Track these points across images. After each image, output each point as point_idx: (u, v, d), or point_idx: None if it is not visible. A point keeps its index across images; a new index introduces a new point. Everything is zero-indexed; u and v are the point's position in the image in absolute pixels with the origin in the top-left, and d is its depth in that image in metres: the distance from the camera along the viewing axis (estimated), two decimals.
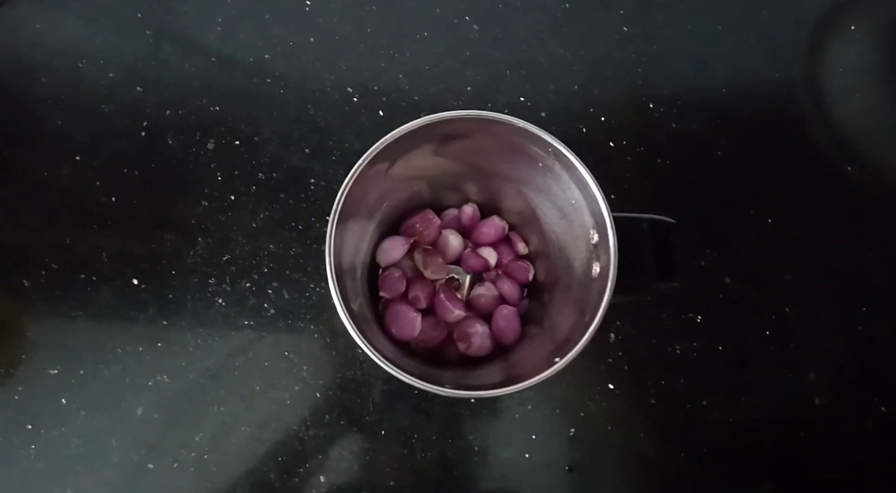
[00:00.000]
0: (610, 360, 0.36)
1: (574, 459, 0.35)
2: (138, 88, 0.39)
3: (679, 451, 0.36)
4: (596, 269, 0.29)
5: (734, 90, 0.42)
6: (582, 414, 0.36)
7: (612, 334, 0.36)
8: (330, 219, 0.27)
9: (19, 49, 0.39)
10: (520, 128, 0.28)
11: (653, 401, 0.36)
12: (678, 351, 0.37)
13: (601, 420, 0.36)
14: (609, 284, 0.27)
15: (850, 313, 0.39)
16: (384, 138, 0.27)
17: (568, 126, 0.40)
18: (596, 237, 0.29)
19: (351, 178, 0.27)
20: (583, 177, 0.28)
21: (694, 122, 0.41)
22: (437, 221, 0.35)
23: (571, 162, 0.28)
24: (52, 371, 0.35)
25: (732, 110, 0.41)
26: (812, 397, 0.37)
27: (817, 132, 0.41)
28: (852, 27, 0.44)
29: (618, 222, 0.27)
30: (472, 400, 0.35)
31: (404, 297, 0.34)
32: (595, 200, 0.28)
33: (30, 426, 0.34)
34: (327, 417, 0.35)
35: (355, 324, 0.26)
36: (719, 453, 0.36)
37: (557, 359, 0.26)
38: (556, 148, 0.28)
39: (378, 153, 0.28)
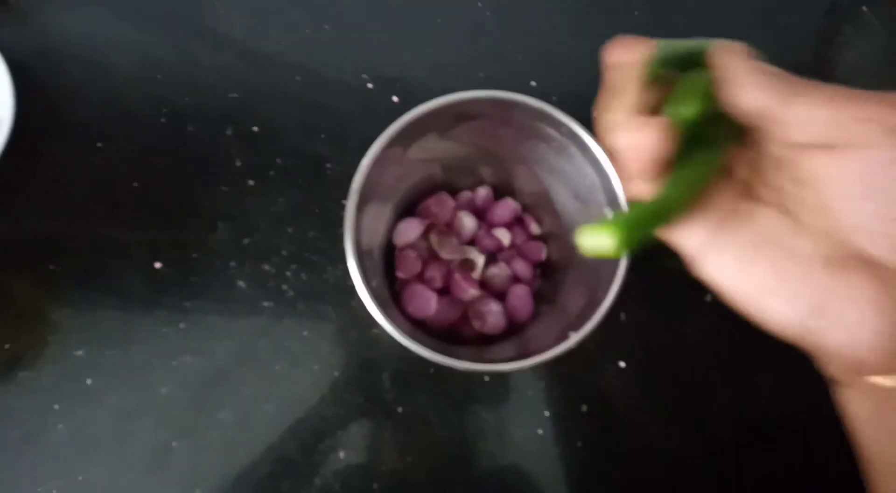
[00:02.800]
0: (621, 339, 0.37)
1: (586, 435, 0.36)
2: (158, 77, 0.39)
3: (690, 430, 0.37)
4: None
5: None
6: (594, 391, 0.36)
7: (622, 313, 0.37)
8: (349, 200, 0.28)
9: (49, 41, 0.40)
10: (535, 108, 0.29)
11: (664, 380, 0.37)
12: (688, 331, 0.37)
13: (612, 398, 0.36)
14: (622, 263, 0.27)
15: None
16: (401, 119, 0.28)
17: (579, 111, 0.40)
18: (610, 216, 0.29)
19: (369, 160, 0.28)
20: (597, 157, 0.29)
21: None
22: (451, 203, 0.35)
23: (585, 142, 0.29)
24: (77, 353, 0.36)
25: None
26: (826, 382, 0.37)
27: None
28: (864, 8, 0.44)
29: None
30: (487, 379, 0.36)
31: (420, 277, 0.34)
32: (609, 179, 0.28)
33: (57, 406, 0.35)
34: (346, 395, 0.36)
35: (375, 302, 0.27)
36: (730, 431, 0.37)
37: (571, 333, 0.27)
38: (570, 128, 0.29)
39: (395, 136, 0.28)
